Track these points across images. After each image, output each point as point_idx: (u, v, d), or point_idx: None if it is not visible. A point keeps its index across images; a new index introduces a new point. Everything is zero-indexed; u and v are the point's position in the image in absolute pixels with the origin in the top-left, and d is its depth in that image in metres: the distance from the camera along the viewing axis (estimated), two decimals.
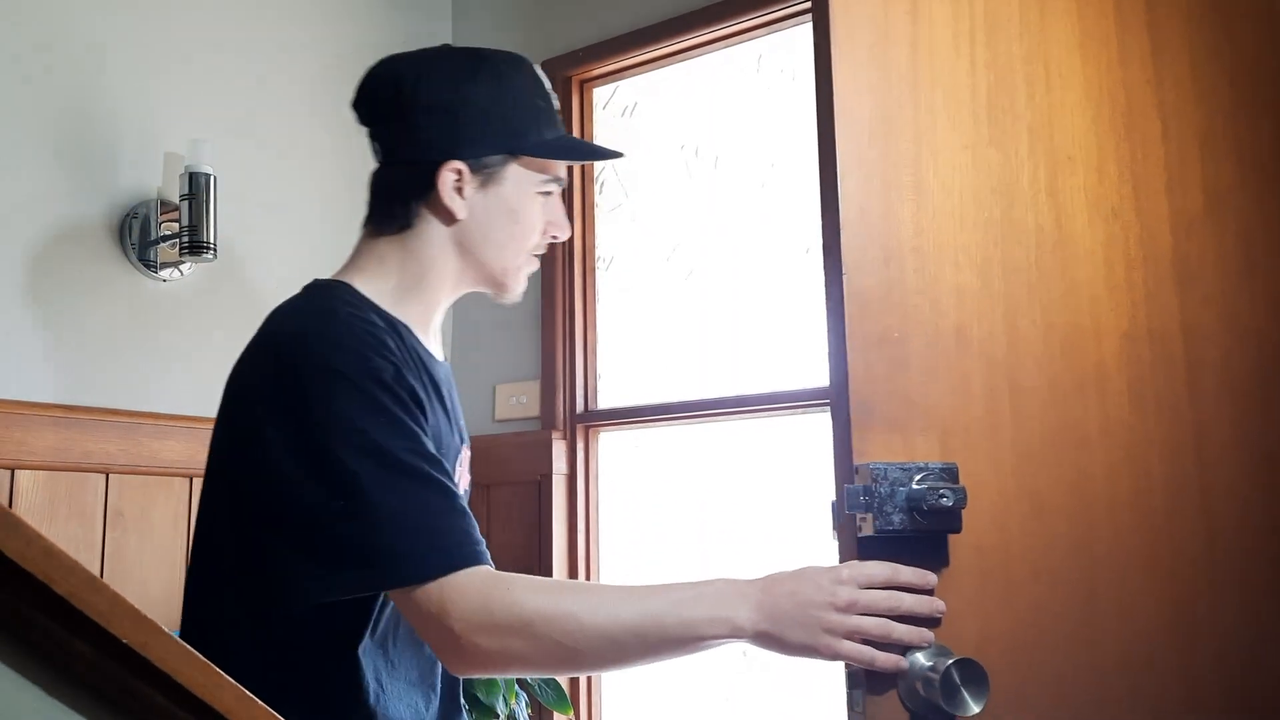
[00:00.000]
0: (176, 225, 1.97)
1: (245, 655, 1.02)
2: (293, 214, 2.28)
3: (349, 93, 2.62)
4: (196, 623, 1.11)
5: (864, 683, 1.00)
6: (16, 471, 1.75)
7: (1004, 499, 1.11)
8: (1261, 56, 1.22)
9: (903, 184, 1.15)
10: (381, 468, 1.00)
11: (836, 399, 1.09)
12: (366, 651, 1.07)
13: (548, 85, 1.22)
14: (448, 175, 1.16)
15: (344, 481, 0.99)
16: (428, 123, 1.17)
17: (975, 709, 0.95)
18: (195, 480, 2.03)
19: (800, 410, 2.09)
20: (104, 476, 1.87)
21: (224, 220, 2.03)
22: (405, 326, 1.14)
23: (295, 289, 2.33)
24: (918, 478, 1.03)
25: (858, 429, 1.08)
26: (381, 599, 1.07)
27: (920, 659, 0.97)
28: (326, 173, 2.36)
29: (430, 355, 1.17)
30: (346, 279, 1.20)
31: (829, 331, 1.10)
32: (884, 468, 1.04)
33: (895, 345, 1.11)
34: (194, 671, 0.57)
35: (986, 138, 1.18)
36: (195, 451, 2.02)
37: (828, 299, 1.12)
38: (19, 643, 0.55)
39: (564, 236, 1.26)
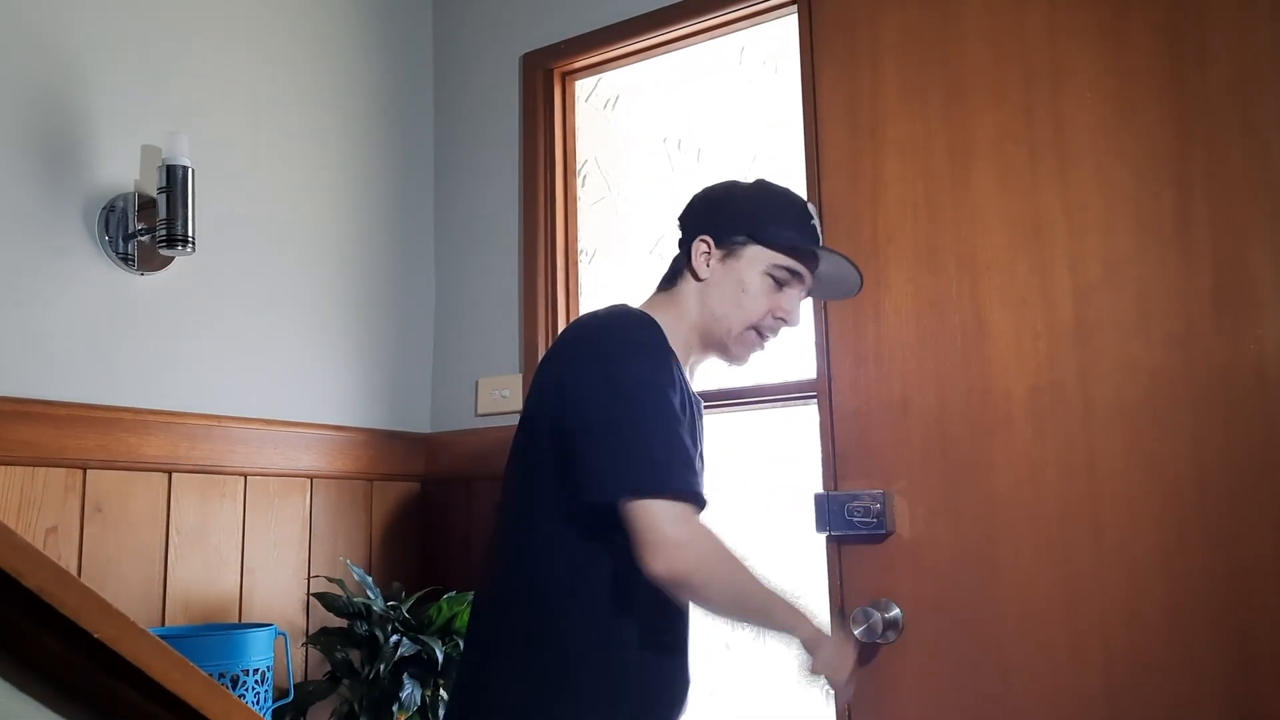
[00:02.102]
0: (153, 218, 1.95)
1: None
2: (271, 207, 2.28)
3: (328, 82, 2.64)
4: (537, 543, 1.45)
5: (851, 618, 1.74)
6: None
7: (932, 511, 1.69)
8: (1160, 140, 1.59)
9: (866, 312, 1.79)
10: (657, 400, 1.39)
11: (826, 450, 1.84)
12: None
13: (812, 210, 1.58)
14: (699, 245, 1.58)
15: (625, 403, 1.38)
16: (696, 214, 1.62)
17: (884, 640, 1.73)
18: (174, 475, 2.02)
19: (785, 403, 2.09)
20: (81, 472, 1.86)
21: (202, 213, 2.02)
22: (674, 354, 1.50)
23: (273, 281, 2.34)
24: (853, 501, 1.74)
25: (840, 470, 1.80)
26: None
27: (870, 610, 1.71)
28: (305, 164, 2.35)
29: (689, 384, 1.54)
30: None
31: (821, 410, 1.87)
32: (829, 495, 1.79)
33: (862, 416, 1.79)
34: (166, 666, 0.57)
35: (924, 268, 1.74)
36: (174, 446, 2.01)
37: (819, 391, 1.87)
38: None
39: (792, 324, 1.58)
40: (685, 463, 1.36)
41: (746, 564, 1.38)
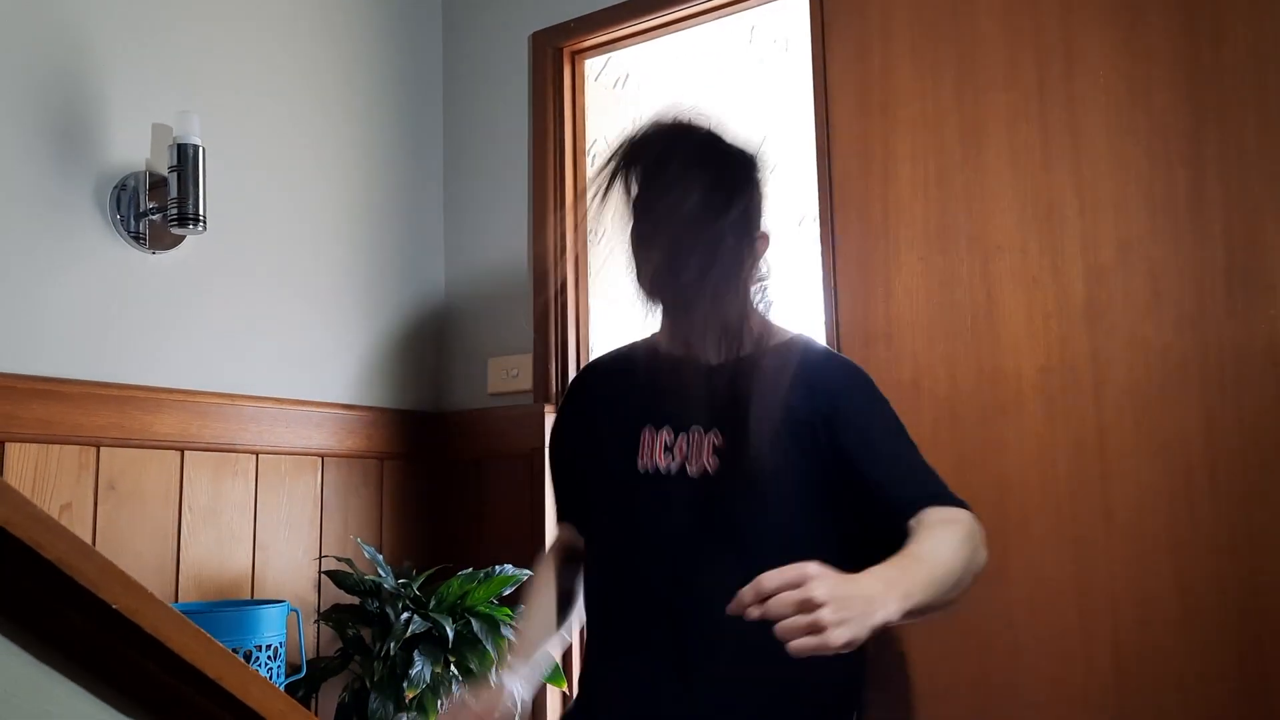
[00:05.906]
0: (165, 197, 1.95)
1: None
2: (282, 185, 2.28)
3: (339, 61, 2.63)
4: None
5: None
6: (6, 444, 1.75)
7: None
8: (1174, 118, 1.58)
9: (877, 292, 1.81)
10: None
11: None
12: None
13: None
14: None
15: None
16: None
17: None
18: (187, 453, 2.03)
19: None
20: (95, 449, 1.86)
21: (213, 192, 2.02)
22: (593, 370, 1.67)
23: (284, 260, 2.35)
24: None
25: None
26: None
27: None
28: (316, 143, 2.35)
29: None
30: None
31: None
32: None
33: None
34: (185, 638, 0.58)
35: (935, 248, 1.76)
36: (187, 424, 2.02)
37: None
38: (8, 609, 0.55)
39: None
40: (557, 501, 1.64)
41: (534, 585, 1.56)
